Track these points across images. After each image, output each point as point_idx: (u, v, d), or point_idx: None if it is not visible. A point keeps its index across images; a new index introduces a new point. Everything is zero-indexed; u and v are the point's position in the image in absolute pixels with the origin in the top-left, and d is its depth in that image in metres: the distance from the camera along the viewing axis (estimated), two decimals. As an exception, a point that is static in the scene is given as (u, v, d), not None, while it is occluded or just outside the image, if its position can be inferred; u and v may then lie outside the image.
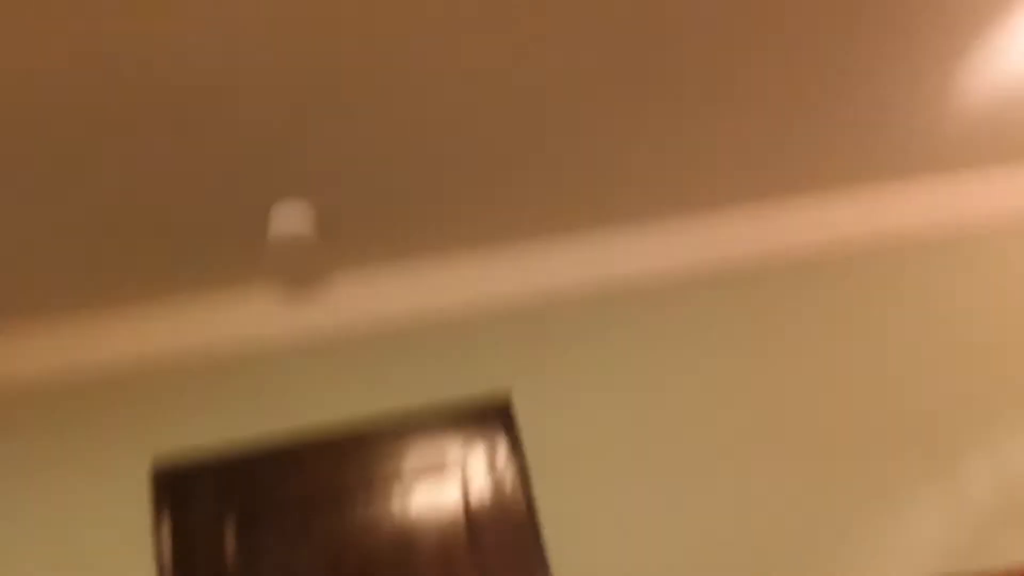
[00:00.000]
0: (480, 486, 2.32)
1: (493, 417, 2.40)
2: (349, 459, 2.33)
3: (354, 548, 2.25)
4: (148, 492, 2.23)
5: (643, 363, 2.45)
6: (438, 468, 2.35)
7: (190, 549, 2.22)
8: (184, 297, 2.38)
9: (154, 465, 2.26)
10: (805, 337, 2.51)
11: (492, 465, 2.35)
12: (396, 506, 2.29)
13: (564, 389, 2.41)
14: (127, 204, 1.99)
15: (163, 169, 1.91)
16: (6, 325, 2.30)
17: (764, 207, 2.59)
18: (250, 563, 2.22)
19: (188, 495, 2.27)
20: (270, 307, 2.42)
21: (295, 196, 2.09)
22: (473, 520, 2.29)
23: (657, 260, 2.57)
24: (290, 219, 2.06)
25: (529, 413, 2.38)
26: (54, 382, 2.32)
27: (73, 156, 1.82)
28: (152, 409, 2.31)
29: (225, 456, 2.31)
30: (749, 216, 2.60)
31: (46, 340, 2.33)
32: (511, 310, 2.49)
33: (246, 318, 2.41)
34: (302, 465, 2.31)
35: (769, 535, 2.25)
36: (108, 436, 2.27)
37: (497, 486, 2.33)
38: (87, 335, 2.35)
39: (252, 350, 2.40)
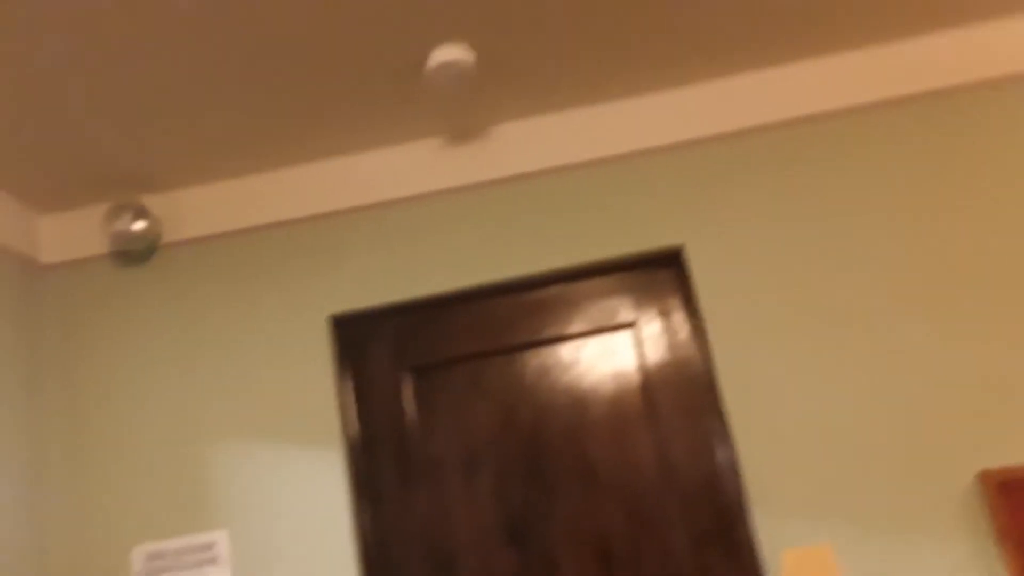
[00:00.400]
0: (654, 344, 2.27)
1: (665, 272, 2.32)
2: (520, 316, 2.32)
3: (527, 403, 2.27)
4: (328, 344, 2.31)
5: (822, 206, 2.26)
6: (610, 326, 2.30)
7: (370, 400, 2.31)
8: (357, 154, 2.40)
9: (331, 316, 2.33)
10: (1011, 174, 2.24)
11: (666, 322, 2.28)
12: (568, 365, 2.28)
13: (739, 239, 2.26)
14: (293, 62, 1.97)
15: (324, 21, 1.86)
16: (192, 186, 2.41)
17: (950, 34, 2.32)
18: (426, 414, 2.29)
19: (365, 347, 2.35)
20: (437, 163, 2.39)
21: (456, 41, 2.01)
22: (647, 379, 2.25)
23: (838, 95, 2.33)
24: (450, 56, 1.99)
25: (703, 266, 2.26)
26: (235, 238, 2.41)
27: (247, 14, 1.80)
28: (328, 263, 2.36)
29: (399, 311, 2.35)
30: (934, 44, 2.33)
31: (227, 199, 2.42)
32: (681, 159, 2.34)
33: (414, 174, 2.39)
34: (474, 321, 2.33)
35: (962, 393, 2.09)
36: (288, 287, 2.35)
37: (671, 344, 2.26)
38: (263, 194, 2.41)
39: (421, 207, 2.39)
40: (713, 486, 2.14)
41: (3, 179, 2.24)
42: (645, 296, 2.31)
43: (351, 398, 2.31)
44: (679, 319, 2.28)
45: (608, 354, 2.28)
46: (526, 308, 2.33)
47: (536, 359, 2.30)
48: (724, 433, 2.16)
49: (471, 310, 2.35)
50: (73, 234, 2.43)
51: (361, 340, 2.35)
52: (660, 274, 2.33)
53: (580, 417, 2.24)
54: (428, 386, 2.31)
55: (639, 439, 2.21)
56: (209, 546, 2.15)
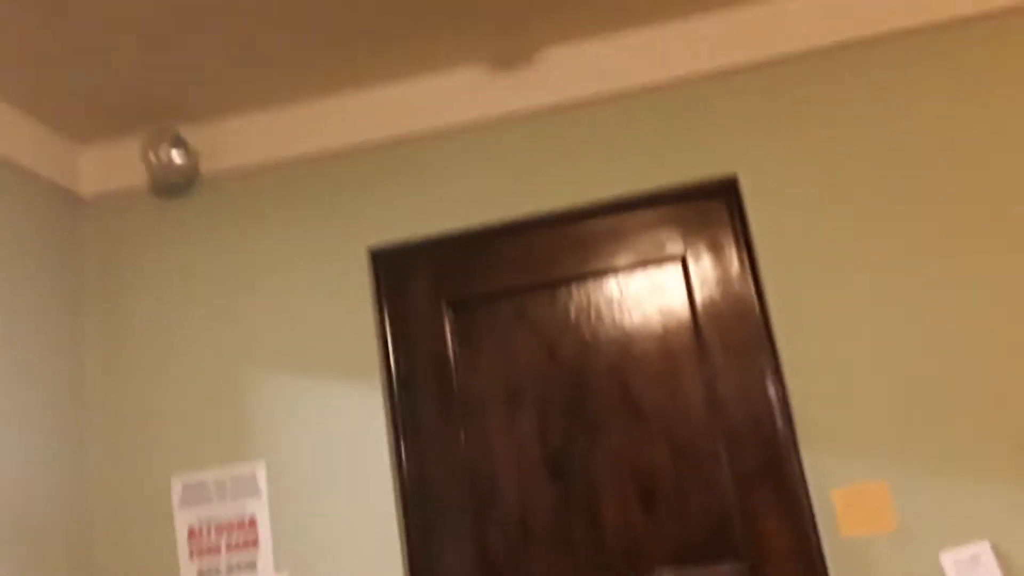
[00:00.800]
0: (703, 278, 2.18)
1: (717, 203, 2.22)
2: (565, 249, 2.25)
3: (571, 338, 2.20)
4: (368, 277, 2.26)
5: (884, 134, 2.12)
6: (659, 258, 2.22)
7: (409, 334, 2.27)
8: (397, 82, 2.32)
9: (370, 249, 2.29)
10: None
11: (717, 256, 2.19)
12: (613, 299, 2.21)
13: (796, 168, 2.14)
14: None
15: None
16: (230, 117, 2.37)
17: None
18: (467, 349, 2.25)
19: (404, 280, 2.30)
20: (480, 90, 2.30)
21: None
22: (696, 314, 2.16)
23: (903, 14, 2.16)
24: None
25: (758, 197, 2.15)
26: (274, 169, 2.36)
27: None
28: (368, 195, 2.30)
29: (439, 243, 2.29)
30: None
31: (266, 129, 2.37)
32: (735, 84, 2.21)
33: (456, 102, 2.31)
34: (516, 254, 2.27)
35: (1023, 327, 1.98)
36: (327, 219, 2.30)
37: (722, 278, 2.17)
38: (302, 125, 2.36)
39: (463, 136, 2.31)
40: (762, 423, 2.07)
41: (42, 111, 2.22)
42: (695, 228, 2.22)
43: (390, 332, 2.27)
44: (731, 252, 2.19)
45: (655, 288, 2.21)
46: (570, 241, 2.26)
47: (580, 293, 2.23)
48: (775, 370, 2.08)
49: (514, 243, 2.28)
50: (112, 166, 2.40)
51: (401, 273, 2.31)
52: (711, 205, 2.23)
53: (625, 352, 2.17)
54: (469, 320, 2.26)
55: (686, 375, 2.14)
56: (248, 477, 2.15)
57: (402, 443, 2.19)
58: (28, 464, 2.00)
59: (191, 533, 2.13)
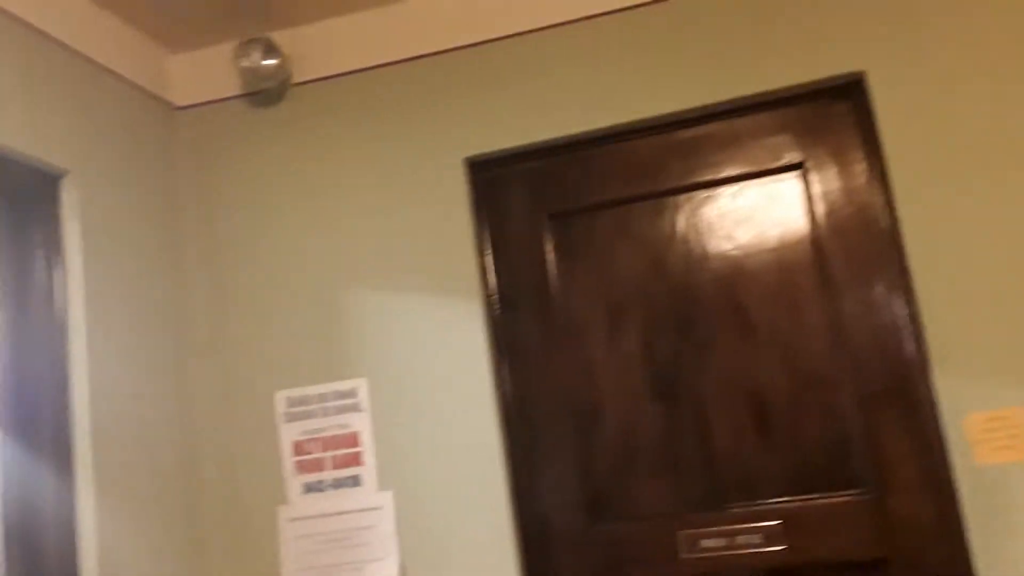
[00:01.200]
0: (825, 188, 2.02)
1: (842, 105, 2.04)
2: (671, 158, 2.11)
3: (677, 252, 2.09)
4: (464, 188, 2.17)
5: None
6: (774, 168, 2.06)
7: (508, 248, 2.19)
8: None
9: (468, 159, 2.19)
10: None
11: (840, 163, 2.02)
12: (724, 211, 2.08)
13: (933, 65, 1.94)
14: None
15: None
16: (322, 21, 2.28)
17: None
18: (568, 263, 2.16)
19: (503, 191, 2.21)
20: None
21: None
22: (816, 227, 2.02)
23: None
24: None
25: (889, 98, 1.96)
26: (368, 75, 2.26)
27: None
28: (465, 101, 2.19)
29: (539, 152, 2.18)
30: None
31: (359, 33, 2.27)
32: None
33: (553, 1, 2.19)
34: (620, 163, 2.14)
35: None
36: (422, 127, 2.21)
37: (846, 188, 2.01)
38: (396, 28, 2.25)
39: (564, 37, 2.16)
40: (888, 343, 1.93)
41: (135, 17, 2.17)
42: (816, 133, 2.05)
43: (489, 246, 2.19)
44: (857, 160, 2.02)
45: (771, 200, 2.06)
46: (678, 148, 2.12)
47: (688, 205, 2.10)
48: (904, 286, 1.93)
49: (617, 151, 2.15)
50: (205, 75, 2.35)
51: (499, 184, 2.21)
52: (835, 107, 2.05)
53: (737, 268, 2.05)
54: (570, 233, 2.16)
55: (804, 292, 2.00)
56: (351, 393, 2.12)
57: (502, 361, 2.13)
58: (134, 382, 2.01)
59: (296, 449, 2.13)
